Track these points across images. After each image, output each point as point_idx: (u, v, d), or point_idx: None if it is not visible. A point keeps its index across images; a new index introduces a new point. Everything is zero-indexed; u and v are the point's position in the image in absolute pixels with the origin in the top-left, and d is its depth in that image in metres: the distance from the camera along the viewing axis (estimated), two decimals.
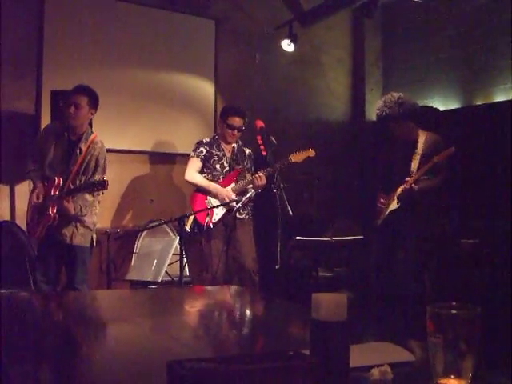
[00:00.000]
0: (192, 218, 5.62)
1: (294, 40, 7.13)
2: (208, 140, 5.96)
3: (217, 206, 5.54)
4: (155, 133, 7.00)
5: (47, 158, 5.07)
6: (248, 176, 5.81)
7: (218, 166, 5.84)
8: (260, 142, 5.60)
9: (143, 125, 6.88)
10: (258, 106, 7.17)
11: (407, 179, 5.13)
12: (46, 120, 5.96)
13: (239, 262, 5.75)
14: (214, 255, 5.61)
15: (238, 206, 5.33)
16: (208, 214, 5.54)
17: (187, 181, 5.90)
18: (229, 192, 5.72)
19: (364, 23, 8.28)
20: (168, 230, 6.39)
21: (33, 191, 5.09)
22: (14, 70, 6.12)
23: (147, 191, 6.91)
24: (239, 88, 7.52)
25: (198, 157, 5.85)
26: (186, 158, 7.04)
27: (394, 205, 5.28)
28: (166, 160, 7.12)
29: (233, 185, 5.78)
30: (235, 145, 5.97)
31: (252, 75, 7.66)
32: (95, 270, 6.19)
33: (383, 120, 5.35)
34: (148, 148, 6.95)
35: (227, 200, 5.62)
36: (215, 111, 7.31)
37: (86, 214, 5.07)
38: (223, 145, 5.91)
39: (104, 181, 4.83)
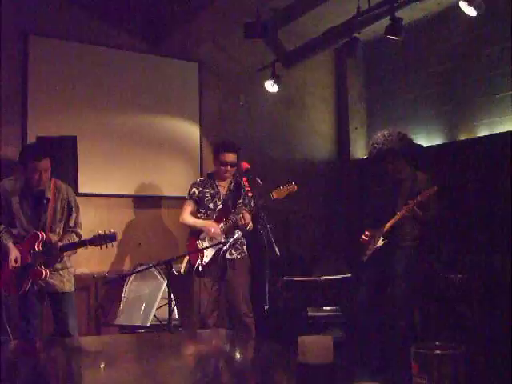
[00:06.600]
0: (186, 260, 5.61)
1: (277, 81, 7.17)
2: (202, 179, 5.98)
3: (204, 248, 5.50)
4: (141, 176, 6.98)
5: (16, 218, 4.91)
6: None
7: (211, 205, 5.77)
8: (246, 183, 5.63)
9: (129, 168, 6.87)
10: (243, 147, 7.20)
11: (410, 201, 5.07)
12: None
13: (231, 304, 5.68)
14: (202, 293, 5.60)
15: (225, 248, 5.28)
16: (199, 256, 5.50)
17: (181, 223, 5.92)
18: (215, 224, 5.64)
19: (346, 62, 8.36)
20: (156, 273, 6.33)
21: (6, 255, 4.76)
22: None
23: (134, 235, 6.87)
24: (224, 129, 7.54)
25: (190, 198, 5.87)
26: (172, 200, 7.05)
27: (380, 242, 5.27)
28: (153, 203, 7.10)
29: (221, 224, 5.66)
30: (233, 180, 5.90)
31: (237, 116, 7.70)
32: (84, 315, 6.13)
33: (382, 155, 5.31)
34: (134, 192, 6.91)
35: (213, 231, 5.58)
36: (201, 152, 7.34)
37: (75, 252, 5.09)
38: (218, 182, 5.87)
39: (114, 233, 4.90)
